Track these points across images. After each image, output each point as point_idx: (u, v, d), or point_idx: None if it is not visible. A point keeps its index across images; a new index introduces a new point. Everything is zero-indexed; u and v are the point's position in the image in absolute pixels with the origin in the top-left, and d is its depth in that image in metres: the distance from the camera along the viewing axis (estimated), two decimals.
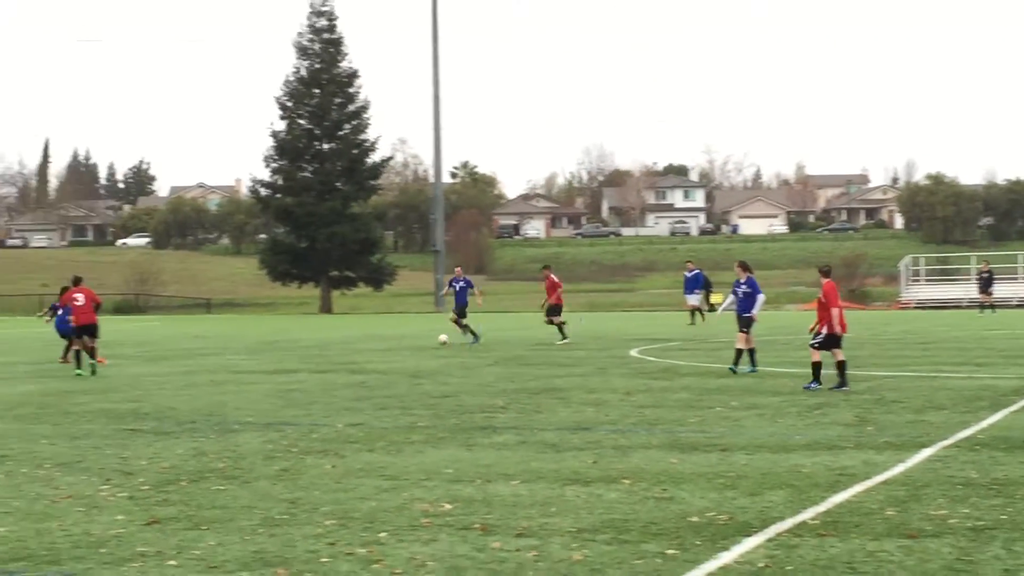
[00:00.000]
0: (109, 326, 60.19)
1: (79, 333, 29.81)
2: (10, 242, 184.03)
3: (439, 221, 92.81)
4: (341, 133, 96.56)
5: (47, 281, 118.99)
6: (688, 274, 50.21)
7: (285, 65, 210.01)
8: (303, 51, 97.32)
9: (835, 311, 22.98)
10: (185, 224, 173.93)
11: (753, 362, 26.54)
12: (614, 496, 12.26)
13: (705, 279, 51.34)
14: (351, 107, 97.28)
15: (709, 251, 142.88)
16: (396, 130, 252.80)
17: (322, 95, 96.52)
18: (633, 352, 34.26)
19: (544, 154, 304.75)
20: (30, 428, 18.66)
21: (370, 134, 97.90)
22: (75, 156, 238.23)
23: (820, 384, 22.59)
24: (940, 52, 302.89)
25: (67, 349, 31.98)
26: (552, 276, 39.55)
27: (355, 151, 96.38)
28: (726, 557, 9.64)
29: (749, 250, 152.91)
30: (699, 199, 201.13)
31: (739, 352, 26.23)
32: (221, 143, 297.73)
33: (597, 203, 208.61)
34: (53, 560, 9.90)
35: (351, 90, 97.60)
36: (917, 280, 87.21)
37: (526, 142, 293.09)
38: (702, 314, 49.36)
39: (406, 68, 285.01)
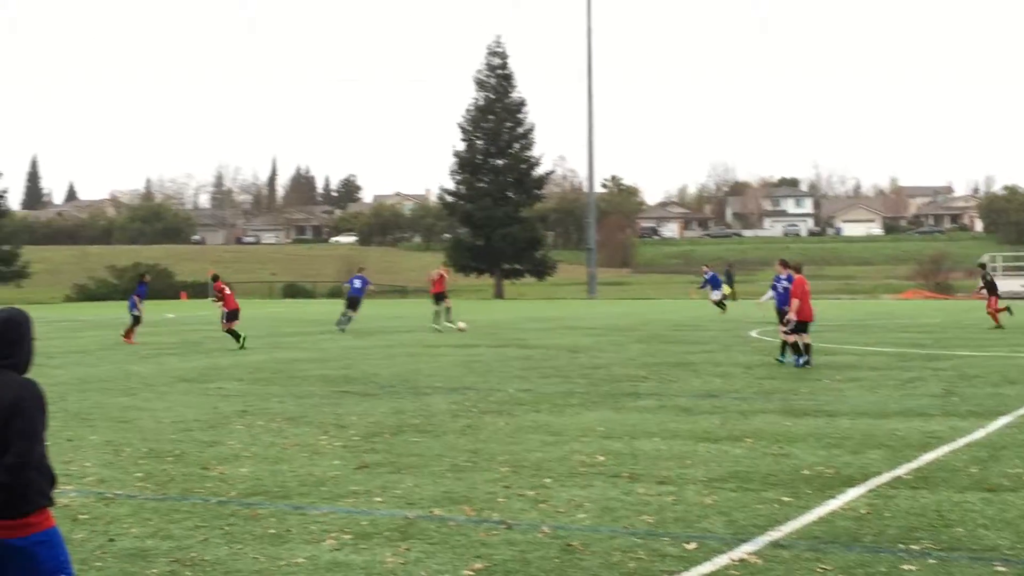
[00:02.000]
0: (324, 308, 61.30)
1: (230, 316, 29.95)
2: (246, 240, 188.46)
3: (591, 224, 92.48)
4: (511, 151, 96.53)
5: (276, 271, 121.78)
6: (706, 276, 49.59)
7: (465, 96, 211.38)
8: (481, 84, 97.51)
9: (795, 302, 22.08)
10: (385, 225, 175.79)
11: (783, 353, 23.02)
12: (739, 452, 12.15)
13: (716, 277, 50.11)
14: (519, 130, 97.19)
15: (817, 250, 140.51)
16: (557, 148, 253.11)
17: (496, 121, 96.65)
18: (753, 333, 33.83)
19: (678, 168, 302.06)
20: (264, 389, 19.07)
21: (535, 152, 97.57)
22: (298, 170, 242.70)
23: (805, 358, 21.96)
24: (1013, 81, 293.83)
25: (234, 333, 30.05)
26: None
27: (523, 166, 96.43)
28: (833, 504, 9.51)
29: (851, 249, 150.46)
30: (808, 206, 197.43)
31: (785, 343, 22.88)
32: (415, 159, 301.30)
33: (722, 209, 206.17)
34: (284, 495, 10.11)
35: (519, 116, 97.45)
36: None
37: (663, 157, 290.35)
38: (721, 306, 48.26)
39: (566, 97, 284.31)
